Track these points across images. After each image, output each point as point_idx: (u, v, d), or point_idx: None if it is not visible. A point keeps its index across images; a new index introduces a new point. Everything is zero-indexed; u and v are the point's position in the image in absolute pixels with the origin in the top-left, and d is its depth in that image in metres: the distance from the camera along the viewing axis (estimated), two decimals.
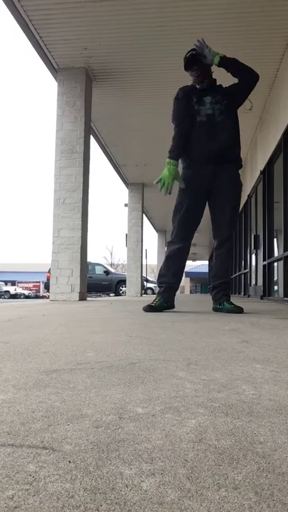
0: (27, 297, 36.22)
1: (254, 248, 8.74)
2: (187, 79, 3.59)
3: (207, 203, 3.48)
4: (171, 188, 3.30)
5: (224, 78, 3.49)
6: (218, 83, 3.52)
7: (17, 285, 42.65)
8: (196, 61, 3.39)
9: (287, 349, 1.46)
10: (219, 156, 3.34)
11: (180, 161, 3.43)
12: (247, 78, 3.42)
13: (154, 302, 3.44)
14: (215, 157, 3.33)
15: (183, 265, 3.58)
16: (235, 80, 3.46)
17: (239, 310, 3.25)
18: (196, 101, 3.40)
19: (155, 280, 3.66)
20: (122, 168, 11.31)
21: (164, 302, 3.43)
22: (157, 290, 3.59)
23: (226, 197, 3.39)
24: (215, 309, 3.44)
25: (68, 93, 6.34)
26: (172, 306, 3.51)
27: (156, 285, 4.05)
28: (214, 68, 3.45)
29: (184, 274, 3.96)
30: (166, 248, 3.57)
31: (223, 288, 3.43)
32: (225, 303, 3.35)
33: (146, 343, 1.55)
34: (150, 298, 6.21)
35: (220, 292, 3.43)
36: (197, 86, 3.45)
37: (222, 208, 3.39)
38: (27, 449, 0.58)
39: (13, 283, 44.44)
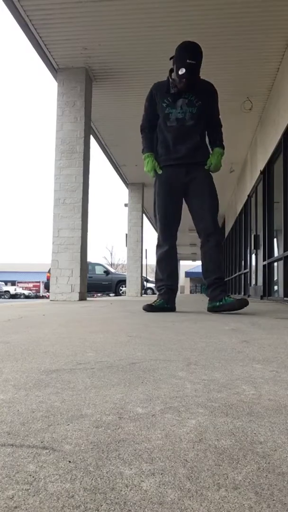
0: (27, 297, 36.22)
1: (254, 248, 8.74)
2: None
3: (185, 202, 3.47)
4: (154, 175, 3.46)
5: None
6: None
7: (17, 285, 42.66)
8: (194, 55, 3.17)
9: (287, 349, 1.46)
10: (188, 159, 3.35)
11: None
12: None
13: (155, 302, 3.42)
14: (185, 159, 3.35)
15: (175, 265, 3.55)
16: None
17: (243, 302, 3.07)
18: (168, 103, 3.35)
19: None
20: (122, 168, 11.31)
21: (165, 303, 3.40)
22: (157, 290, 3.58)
23: (203, 192, 3.37)
24: (212, 309, 3.24)
25: (68, 93, 6.34)
26: (173, 309, 3.45)
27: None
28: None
29: (184, 274, 3.95)
30: (155, 251, 3.55)
31: (219, 284, 3.25)
32: (226, 298, 3.18)
33: (146, 343, 1.55)
34: (150, 298, 6.21)
35: (217, 288, 3.23)
36: (172, 90, 3.32)
37: (200, 203, 3.36)
38: (27, 449, 0.58)
39: (13, 283, 44.45)
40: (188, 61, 3.16)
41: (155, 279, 3.56)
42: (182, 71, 3.17)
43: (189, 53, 3.19)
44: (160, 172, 3.41)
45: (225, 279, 3.54)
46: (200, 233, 3.39)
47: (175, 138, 3.36)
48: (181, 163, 3.36)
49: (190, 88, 3.29)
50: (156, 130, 3.48)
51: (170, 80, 3.34)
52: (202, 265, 3.43)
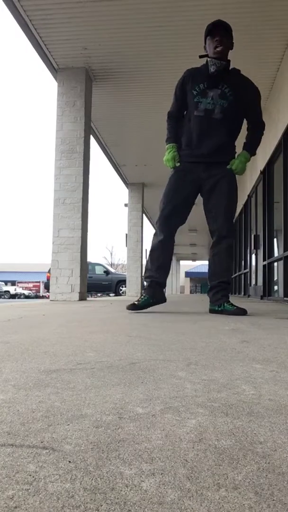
0: (27, 297, 36.23)
1: (254, 248, 8.74)
2: None
3: (202, 203, 3.34)
4: (174, 165, 3.26)
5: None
6: (232, 66, 3.22)
7: (17, 285, 42.66)
8: (222, 27, 3.09)
9: (287, 349, 1.46)
10: (210, 157, 3.18)
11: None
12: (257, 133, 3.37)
13: (139, 300, 3.30)
14: (206, 157, 3.18)
15: (167, 260, 3.35)
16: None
17: (242, 312, 3.02)
18: (199, 91, 3.16)
19: None
20: (122, 168, 11.31)
21: (150, 299, 3.26)
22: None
23: (221, 191, 3.21)
24: (213, 311, 3.22)
25: (68, 93, 6.34)
26: (161, 301, 3.31)
27: None
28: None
29: (184, 274, 3.90)
30: (152, 239, 3.40)
31: (222, 288, 3.19)
32: (225, 304, 3.14)
33: (146, 343, 1.55)
34: None
35: (219, 292, 3.19)
36: (211, 69, 3.11)
37: (216, 202, 3.21)
38: (27, 449, 0.58)
39: (13, 283, 44.45)
40: (212, 26, 3.11)
41: (145, 268, 3.40)
42: (215, 38, 3.09)
43: (211, 24, 3.14)
44: (178, 164, 3.24)
45: (230, 282, 3.42)
46: (213, 234, 3.26)
47: (200, 131, 3.17)
48: (201, 161, 3.20)
49: (226, 53, 3.13)
50: (182, 120, 3.29)
51: (208, 59, 3.17)
52: (209, 266, 3.31)
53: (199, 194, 3.32)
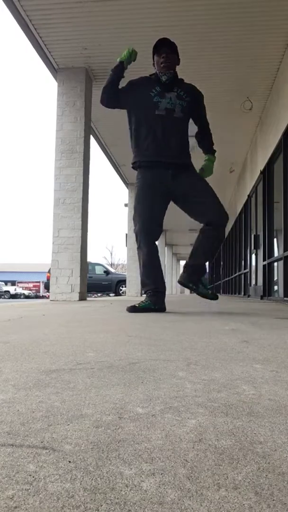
0: (27, 297, 36.24)
1: (254, 248, 8.74)
2: (187, 78, 3.55)
3: (179, 205, 3.38)
4: (133, 55, 3.33)
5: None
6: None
7: (17, 285, 42.69)
8: (165, 44, 3.30)
9: (287, 349, 1.46)
10: (178, 158, 3.26)
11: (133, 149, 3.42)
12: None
13: (140, 303, 3.33)
14: (174, 158, 3.25)
15: (159, 268, 3.41)
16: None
17: (214, 297, 3.26)
18: (157, 92, 3.25)
19: None
20: (122, 168, 11.31)
21: (152, 305, 3.30)
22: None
23: (196, 187, 3.27)
24: (184, 285, 3.35)
25: (68, 93, 6.35)
26: (162, 310, 3.37)
27: None
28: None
29: None
30: (137, 252, 3.47)
31: (195, 271, 3.31)
32: (200, 286, 3.29)
33: (146, 343, 1.55)
34: None
35: (193, 274, 3.31)
36: (162, 79, 3.29)
37: (200, 197, 3.24)
38: (27, 449, 0.58)
39: (13, 283, 44.48)
40: (158, 44, 3.33)
41: (141, 282, 3.46)
42: (161, 55, 3.30)
43: (158, 42, 3.36)
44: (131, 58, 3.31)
45: (204, 265, 3.49)
46: (210, 222, 3.25)
47: (164, 129, 3.21)
48: (169, 161, 3.23)
49: (173, 67, 3.31)
50: (116, 94, 3.33)
51: (158, 72, 3.33)
52: (197, 245, 3.32)
53: (172, 201, 3.39)
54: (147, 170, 3.31)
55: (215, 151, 3.49)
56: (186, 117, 3.30)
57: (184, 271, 3.38)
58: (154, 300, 3.32)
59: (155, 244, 3.43)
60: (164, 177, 3.26)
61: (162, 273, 3.47)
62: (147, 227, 3.33)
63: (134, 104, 3.33)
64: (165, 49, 3.30)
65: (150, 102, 3.24)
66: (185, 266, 3.37)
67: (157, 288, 3.35)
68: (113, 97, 3.33)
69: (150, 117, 3.24)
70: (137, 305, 3.29)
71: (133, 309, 3.26)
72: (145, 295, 3.41)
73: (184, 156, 3.29)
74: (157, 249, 3.47)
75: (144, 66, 6.37)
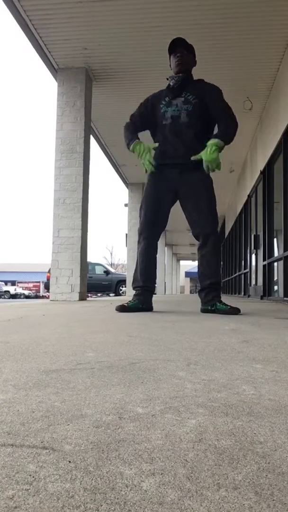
0: (27, 297, 36.23)
1: (254, 248, 8.74)
2: None
3: (180, 205, 3.38)
4: (151, 165, 3.25)
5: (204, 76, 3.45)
6: (202, 75, 3.40)
7: (17, 285, 42.67)
8: (180, 44, 3.30)
9: (287, 349, 1.46)
10: (184, 158, 3.22)
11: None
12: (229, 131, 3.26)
13: (128, 302, 3.35)
14: (180, 158, 3.23)
15: (153, 267, 3.44)
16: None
17: (235, 312, 3.06)
18: (165, 103, 3.30)
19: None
20: (122, 168, 11.31)
21: (139, 304, 3.32)
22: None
23: (197, 194, 3.26)
24: (205, 311, 3.26)
25: (68, 93, 6.34)
26: (149, 309, 3.39)
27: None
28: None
29: (184, 274, 3.91)
30: (137, 246, 3.47)
31: (213, 289, 3.25)
32: (217, 304, 3.18)
33: (146, 343, 1.55)
34: None
35: (210, 293, 3.24)
36: (171, 83, 3.32)
37: (196, 206, 3.26)
38: (27, 449, 0.58)
39: (13, 283, 44.46)
40: (173, 43, 3.33)
41: (133, 276, 3.48)
42: (177, 54, 3.31)
43: (173, 41, 3.36)
44: (153, 164, 3.25)
45: (221, 282, 3.44)
46: (198, 237, 3.31)
47: (170, 135, 3.26)
48: (174, 163, 3.25)
49: (187, 67, 3.31)
50: (138, 130, 3.41)
51: (168, 77, 3.36)
52: (198, 268, 3.37)
53: (177, 199, 3.39)
54: (156, 170, 3.31)
55: (225, 138, 3.17)
56: (194, 121, 3.24)
57: (201, 297, 3.33)
58: (142, 299, 3.37)
59: (154, 241, 3.45)
60: (171, 174, 3.29)
61: (155, 272, 3.50)
62: (147, 224, 3.37)
63: (150, 120, 3.40)
64: (180, 49, 3.32)
65: (159, 114, 3.33)
66: (201, 290, 3.32)
67: (146, 287, 3.40)
68: (135, 133, 3.41)
69: (160, 127, 3.32)
70: (126, 304, 3.33)
71: (122, 308, 3.29)
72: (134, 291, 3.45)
73: (191, 156, 3.22)
74: (156, 247, 3.48)
75: (144, 67, 6.39)
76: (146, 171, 3.34)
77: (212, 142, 3.14)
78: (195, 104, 3.24)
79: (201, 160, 3.17)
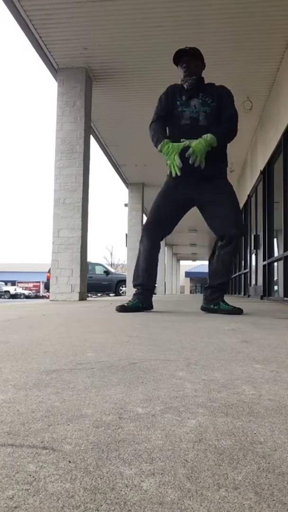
0: (27, 297, 36.22)
1: (254, 248, 8.74)
2: None
3: (201, 212, 3.35)
4: (179, 167, 3.07)
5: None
6: (208, 82, 3.37)
7: (17, 285, 42.66)
8: (184, 54, 3.28)
9: (287, 349, 1.46)
10: (202, 169, 3.10)
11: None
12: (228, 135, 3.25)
13: (128, 302, 3.35)
14: (198, 169, 3.09)
15: (154, 266, 3.43)
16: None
17: (237, 312, 3.08)
18: (182, 102, 3.26)
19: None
20: (122, 168, 11.31)
21: (139, 303, 3.32)
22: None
23: (221, 196, 3.22)
24: (207, 309, 3.25)
25: (68, 93, 6.34)
26: (149, 308, 3.39)
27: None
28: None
29: (184, 274, 3.90)
30: (138, 246, 3.47)
31: (220, 289, 3.25)
32: (221, 303, 3.19)
33: (146, 343, 1.55)
34: None
35: (216, 292, 3.25)
36: (185, 86, 3.29)
37: (220, 210, 3.20)
38: (27, 449, 0.58)
39: (13, 283, 44.44)
40: (179, 52, 3.30)
41: (133, 275, 3.46)
42: (183, 65, 3.28)
43: (175, 54, 3.33)
44: (178, 162, 3.05)
45: (229, 282, 3.45)
46: (223, 238, 3.21)
47: (190, 137, 3.12)
48: (192, 170, 3.09)
49: (195, 73, 3.27)
50: (165, 126, 3.26)
51: (181, 81, 3.34)
52: (213, 264, 3.31)
53: (193, 205, 3.35)
54: (173, 176, 3.20)
55: (219, 136, 3.11)
56: (212, 124, 3.18)
57: (205, 294, 3.33)
58: (142, 298, 3.37)
59: (158, 242, 3.44)
60: (188, 183, 3.21)
61: (156, 271, 3.49)
62: (154, 224, 3.36)
63: (172, 112, 3.30)
64: (185, 59, 3.30)
65: (176, 112, 3.27)
66: (209, 288, 3.30)
67: (146, 286, 3.39)
68: (163, 132, 3.26)
69: (177, 127, 3.24)
70: (126, 305, 3.33)
71: (122, 308, 3.29)
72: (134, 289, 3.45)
73: (210, 163, 3.12)
74: (159, 248, 3.48)
75: (144, 67, 6.39)
76: (170, 173, 3.16)
77: (208, 136, 3.08)
78: (213, 107, 3.22)
79: (218, 170, 3.23)
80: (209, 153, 3.09)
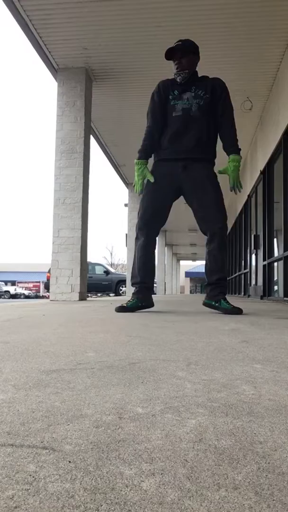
0: (27, 297, 36.24)
1: (254, 248, 8.74)
2: None
3: (186, 201, 3.38)
4: (141, 188, 3.31)
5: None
6: (202, 75, 3.37)
7: (17, 285, 42.68)
8: (176, 51, 3.29)
9: (287, 349, 1.46)
10: (191, 152, 3.22)
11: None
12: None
13: (127, 302, 3.34)
14: (187, 153, 3.22)
15: (151, 263, 3.43)
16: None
17: (238, 311, 3.09)
18: (174, 96, 3.29)
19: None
20: (122, 168, 11.31)
21: (138, 302, 3.32)
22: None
23: (203, 189, 3.25)
24: (208, 305, 3.29)
25: (68, 93, 6.35)
26: (150, 305, 3.39)
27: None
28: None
29: (184, 274, 3.90)
30: (135, 242, 3.48)
31: (220, 285, 3.26)
32: (222, 301, 3.20)
33: (146, 343, 1.55)
34: None
35: (216, 289, 3.26)
36: (177, 80, 3.31)
37: (203, 202, 3.25)
38: (27, 449, 0.58)
39: (13, 283, 44.47)
40: (172, 48, 3.30)
41: (131, 273, 3.45)
42: (175, 61, 3.31)
43: (166, 52, 3.33)
44: (152, 180, 3.28)
45: (227, 278, 3.46)
46: (205, 232, 3.30)
47: (179, 128, 3.24)
48: (182, 157, 3.23)
49: (187, 68, 3.28)
50: (160, 134, 3.34)
51: (174, 74, 3.35)
52: (206, 263, 3.36)
53: (181, 194, 3.38)
54: (160, 164, 3.33)
55: (239, 149, 3.28)
56: (204, 115, 3.24)
57: (206, 291, 3.36)
58: (141, 297, 3.36)
59: (154, 237, 3.44)
60: (175, 169, 3.27)
61: (153, 268, 3.50)
62: (147, 217, 3.35)
63: (165, 107, 3.35)
64: (177, 55, 3.31)
65: (169, 106, 3.30)
66: (208, 285, 3.33)
67: (145, 284, 3.38)
68: (149, 151, 3.39)
69: (170, 119, 3.30)
70: (125, 305, 3.32)
71: (122, 309, 3.29)
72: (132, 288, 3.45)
73: (198, 151, 3.24)
74: (155, 243, 3.47)
75: (144, 67, 6.39)
76: (136, 191, 3.38)
77: (234, 158, 3.25)
78: (206, 99, 3.25)
79: (206, 157, 3.27)
80: (196, 141, 3.22)
